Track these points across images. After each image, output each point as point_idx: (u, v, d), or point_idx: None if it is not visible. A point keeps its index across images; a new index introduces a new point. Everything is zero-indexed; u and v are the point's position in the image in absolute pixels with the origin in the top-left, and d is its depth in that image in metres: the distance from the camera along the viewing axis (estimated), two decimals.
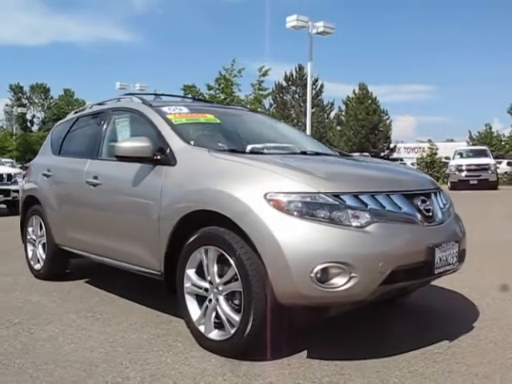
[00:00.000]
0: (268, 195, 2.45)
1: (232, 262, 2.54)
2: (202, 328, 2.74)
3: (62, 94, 60.90)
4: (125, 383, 2.34)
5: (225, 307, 2.61)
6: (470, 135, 46.45)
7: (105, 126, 3.85)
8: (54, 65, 78.09)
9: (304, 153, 3.35)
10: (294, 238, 2.36)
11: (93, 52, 75.00)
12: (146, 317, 3.34)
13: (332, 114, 45.65)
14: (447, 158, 21.91)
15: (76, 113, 4.73)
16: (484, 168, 18.75)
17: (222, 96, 21.85)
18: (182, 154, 2.99)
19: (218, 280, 2.66)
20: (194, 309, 2.80)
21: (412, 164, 28.11)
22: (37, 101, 61.30)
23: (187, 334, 2.93)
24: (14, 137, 47.98)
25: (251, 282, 2.45)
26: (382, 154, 38.57)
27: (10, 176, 11.03)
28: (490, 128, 46.15)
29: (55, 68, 79.86)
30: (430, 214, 2.72)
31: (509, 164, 25.47)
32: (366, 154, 26.60)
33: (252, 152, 3.06)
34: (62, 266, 4.46)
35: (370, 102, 40.00)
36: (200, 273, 2.77)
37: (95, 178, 3.62)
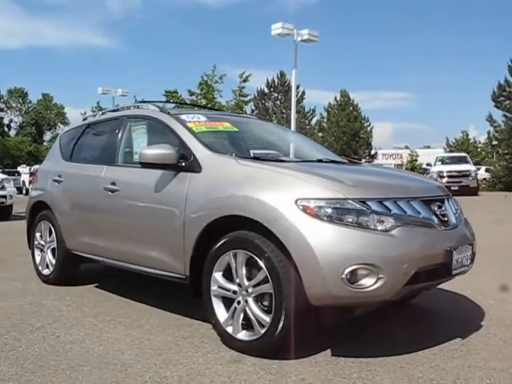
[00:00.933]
0: (299, 201, 2.58)
1: (262, 265, 2.65)
2: (229, 329, 2.84)
3: (40, 98, 60.06)
4: (163, 382, 2.42)
5: (254, 308, 2.72)
6: (447, 142, 47.48)
7: (120, 133, 3.93)
8: (32, 69, 77.08)
9: (320, 160, 3.50)
10: (325, 242, 2.49)
11: (71, 56, 74.12)
12: (166, 320, 3.43)
13: (313, 121, 46.15)
14: (428, 164, 22.43)
15: (85, 119, 4.79)
16: (465, 174, 19.27)
17: (204, 102, 22.02)
18: (207, 161, 3.10)
19: (246, 282, 2.77)
20: (220, 311, 2.90)
21: None
22: (14, 105, 60.24)
23: (211, 335, 3.03)
24: None
25: (282, 284, 2.57)
26: (364, 161, 39.12)
27: None
28: (467, 135, 47.29)
29: (33, 72, 78.80)
30: (446, 218, 2.89)
31: (487, 171, 26.18)
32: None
33: (274, 160, 3.19)
34: (72, 270, 4.49)
35: (351, 108, 40.59)
36: (227, 276, 2.88)
37: (113, 184, 3.69)
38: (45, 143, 56.05)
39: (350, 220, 2.54)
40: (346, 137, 39.91)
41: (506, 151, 25.55)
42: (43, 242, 4.65)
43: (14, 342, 2.97)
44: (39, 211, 4.69)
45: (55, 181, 4.44)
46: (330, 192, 2.61)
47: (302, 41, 21.97)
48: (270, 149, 3.52)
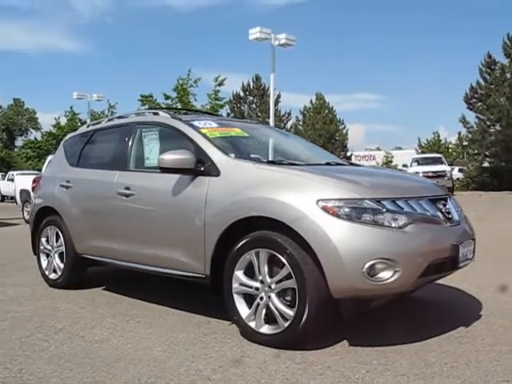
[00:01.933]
0: (320, 202, 2.77)
1: (286, 262, 2.83)
2: (252, 324, 3.00)
3: (11, 103, 58.87)
4: (199, 374, 2.57)
5: (277, 303, 2.89)
6: (419, 143, 48.55)
7: (131, 140, 4.05)
8: (1, 73, 75.32)
9: (328, 163, 3.70)
10: (346, 239, 2.69)
11: (41, 61, 72.53)
12: (183, 319, 3.56)
13: (289, 124, 46.64)
14: (405, 165, 23.07)
15: (89, 126, 4.88)
16: (440, 175, 19.88)
17: (179, 105, 22.13)
18: (225, 165, 3.25)
19: (269, 279, 2.94)
20: (242, 307, 3.06)
21: None
22: None
23: (232, 331, 3.19)
24: None
25: (306, 279, 2.75)
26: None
27: None
28: (438, 136, 48.48)
29: (2, 77, 76.99)
30: (450, 216, 3.13)
31: (460, 171, 27.03)
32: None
33: (287, 163, 3.37)
34: (80, 274, 4.57)
35: (326, 111, 41.21)
36: (249, 273, 3.05)
37: (127, 188, 3.80)
38: (16, 149, 54.86)
39: (368, 218, 2.75)
40: (322, 139, 40.45)
41: (476, 151, 26.57)
42: (50, 247, 4.71)
43: (42, 343, 3.07)
44: (44, 217, 4.75)
45: (63, 186, 4.51)
46: (348, 193, 2.81)
47: (280, 45, 22.31)
48: (279, 153, 3.70)
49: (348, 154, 43.21)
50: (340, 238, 2.69)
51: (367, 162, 42.17)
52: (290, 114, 45.68)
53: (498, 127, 21.50)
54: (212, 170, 3.28)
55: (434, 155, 24.34)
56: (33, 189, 5.24)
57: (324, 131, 40.53)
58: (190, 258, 3.32)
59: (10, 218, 12.70)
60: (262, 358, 2.78)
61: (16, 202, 13.68)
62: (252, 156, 3.48)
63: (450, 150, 46.53)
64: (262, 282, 2.97)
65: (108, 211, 4.00)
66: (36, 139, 43.67)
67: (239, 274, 3.06)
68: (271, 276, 2.95)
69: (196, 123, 3.73)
